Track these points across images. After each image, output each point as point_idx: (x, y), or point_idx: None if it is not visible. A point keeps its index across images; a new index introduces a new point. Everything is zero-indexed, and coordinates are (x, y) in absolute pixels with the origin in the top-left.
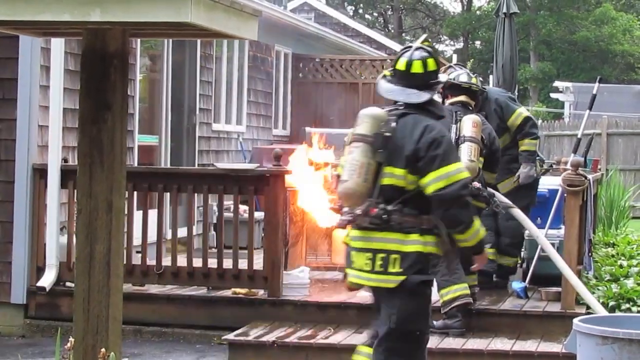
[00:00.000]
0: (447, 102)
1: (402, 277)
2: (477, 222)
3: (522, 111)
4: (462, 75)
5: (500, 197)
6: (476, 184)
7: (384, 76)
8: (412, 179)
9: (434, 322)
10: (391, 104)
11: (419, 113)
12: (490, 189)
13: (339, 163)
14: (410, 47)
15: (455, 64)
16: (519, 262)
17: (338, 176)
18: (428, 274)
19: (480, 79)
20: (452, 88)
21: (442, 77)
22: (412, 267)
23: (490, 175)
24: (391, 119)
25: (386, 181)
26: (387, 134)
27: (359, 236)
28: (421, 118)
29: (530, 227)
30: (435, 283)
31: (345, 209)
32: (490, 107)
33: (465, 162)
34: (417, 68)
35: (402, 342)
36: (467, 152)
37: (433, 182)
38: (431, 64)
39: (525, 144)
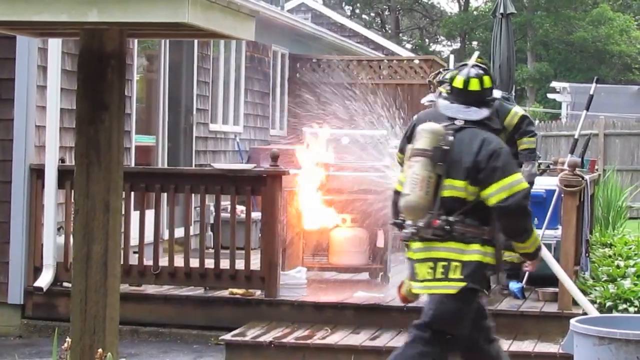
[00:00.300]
0: None
1: (462, 284)
2: (534, 230)
3: (517, 110)
4: None
5: None
6: None
7: (440, 93)
8: (473, 190)
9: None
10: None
11: (475, 127)
12: None
13: (398, 179)
14: (466, 64)
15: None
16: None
17: (397, 192)
18: (481, 284)
19: None
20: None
21: (496, 94)
22: (471, 275)
23: None
24: (449, 133)
25: (447, 193)
26: (446, 147)
27: (421, 247)
28: (477, 131)
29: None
30: None
31: (408, 222)
32: None
33: None
34: (474, 86)
35: (431, 336)
36: None
37: (496, 193)
38: (487, 81)
39: (525, 143)
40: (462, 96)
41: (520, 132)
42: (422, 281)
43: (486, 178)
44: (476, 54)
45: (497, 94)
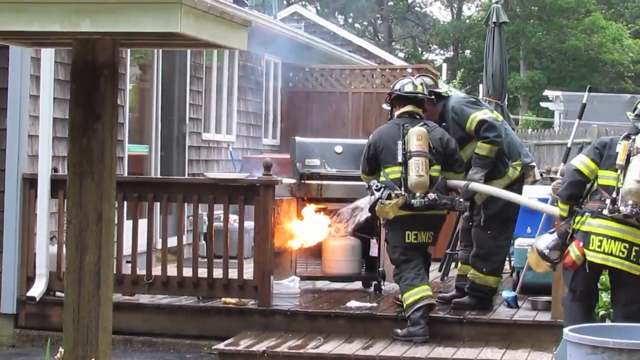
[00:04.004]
0: (396, 113)
1: None
2: None
3: (477, 115)
4: (407, 85)
5: (451, 184)
6: (431, 195)
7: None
8: None
9: (398, 331)
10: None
11: None
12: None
13: (582, 161)
14: None
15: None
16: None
17: (579, 171)
18: None
19: (433, 84)
20: (399, 99)
21: (455, 98)
22: None
23: (457, 176)
24: None
25: None
26: None
27: (615, 227)
28: None
29: (494, 191)
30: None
31: (630, 202)
32: (448, 116)
33: (413, 178)
34: None
35: None
36: (415, 168)
37: None
38: None
39: (477, 147)
40: None
41: (478, 137)
42: (607, 254)
43: None
44: None
45: (457, 98)
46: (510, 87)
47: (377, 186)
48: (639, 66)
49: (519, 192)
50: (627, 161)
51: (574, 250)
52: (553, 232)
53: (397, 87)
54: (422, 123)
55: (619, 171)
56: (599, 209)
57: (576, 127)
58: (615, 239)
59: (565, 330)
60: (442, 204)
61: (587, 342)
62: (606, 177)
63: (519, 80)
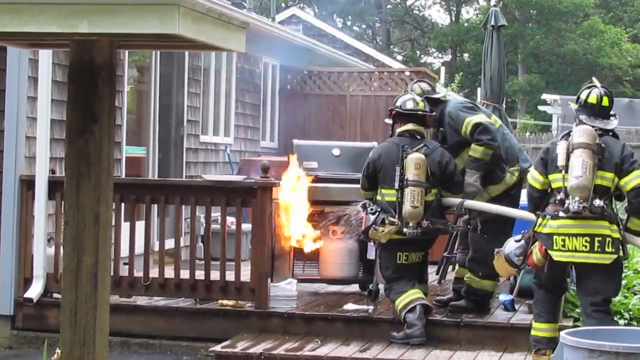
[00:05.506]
0: (397, 130)
1: (614, 256)
2: None
3: (472, 118)
4: (408, 102)
5: (446, 202)
6: (424, 224)
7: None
8: (616, 181)
9: (395, 333)
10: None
11: (606, 134)
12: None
13: (532, 176)
14: (595, 86)
15: (419, 80)
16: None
17: (533, 186)
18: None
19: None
20: (400, 115)
21: (453, 103)
22: (618, 249)
23: (455, 196)
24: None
25: (598, 181)
26: (602, 145)
27: (574, 224)
28: (614, 139)
29: (488, 208)
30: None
31: (576, 199)
32: (445, 121)
33: (408, 209)
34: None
35: (609, 304)
36: (410, 199)
37: (634, 179)
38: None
39: (470, 149)
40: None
41: (472, 140)
42: (572, 251)
43: (628, 169)
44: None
45: (453, 103)
46: (508, 91)
47: (372, 209)
48: (637, 70)
49: (517, 197)
50: (568, 159)
51: (535, 253)
52: (520, 239)
53: (398, 103)
54: (422, 145)
55: (562, 171)
56: (556, 212)
57: None
58: (577, 235)
59: (563, 333)
60: (434, 229)
61: (584, 345)
62: (556, 180)
63: (517, 83)
